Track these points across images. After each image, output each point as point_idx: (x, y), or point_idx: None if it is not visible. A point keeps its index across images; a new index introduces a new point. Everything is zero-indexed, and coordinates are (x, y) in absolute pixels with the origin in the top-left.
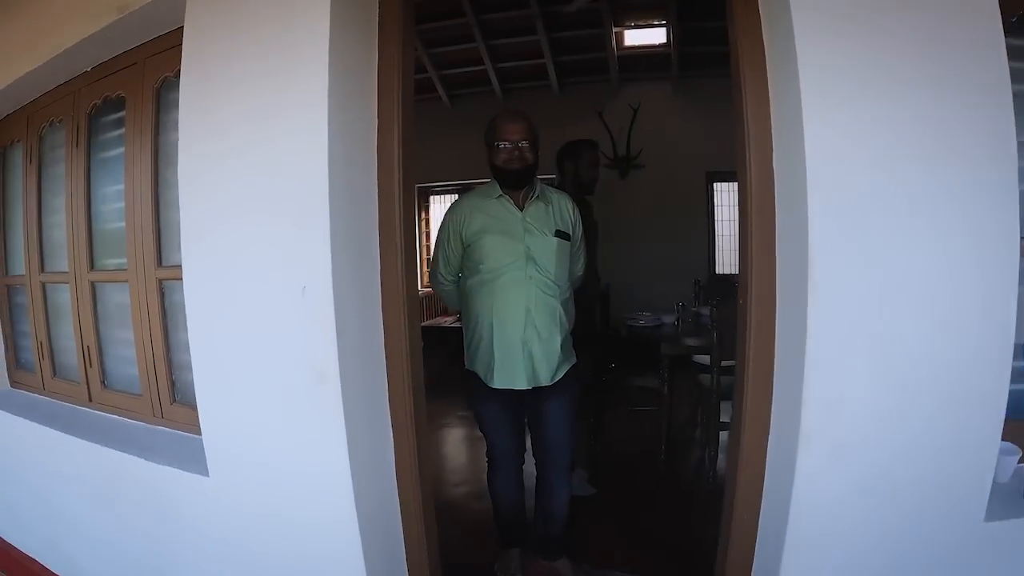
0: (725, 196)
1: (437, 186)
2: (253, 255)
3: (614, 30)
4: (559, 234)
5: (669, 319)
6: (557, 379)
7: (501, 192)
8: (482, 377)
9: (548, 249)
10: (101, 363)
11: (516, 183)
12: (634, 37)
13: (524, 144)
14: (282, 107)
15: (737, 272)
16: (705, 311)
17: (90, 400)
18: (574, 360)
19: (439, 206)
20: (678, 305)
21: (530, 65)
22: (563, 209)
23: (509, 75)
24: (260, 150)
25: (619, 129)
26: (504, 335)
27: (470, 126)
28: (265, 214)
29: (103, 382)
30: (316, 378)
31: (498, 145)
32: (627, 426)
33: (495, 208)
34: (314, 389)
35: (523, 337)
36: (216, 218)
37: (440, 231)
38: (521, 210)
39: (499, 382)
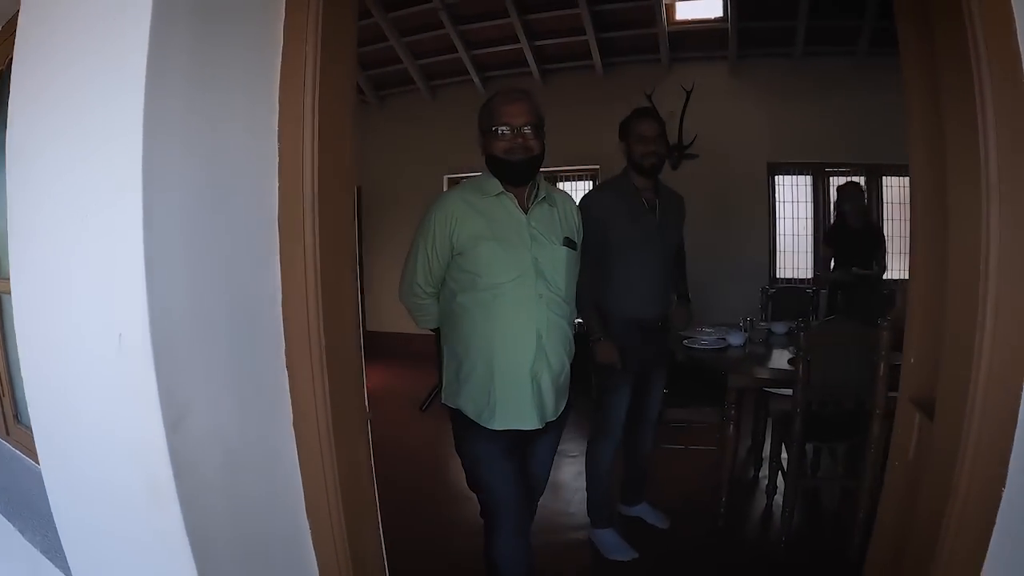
0: (788, 191)
1: (463, 176)
2: (61, 279)
3: (664, 2)
4: (567, 242)
5: (736, 340)
6: (560, 412)
7: (502, 189)
8: (473, 416)
9: (558, 260)
10: None
11: (519, 178)
12: (686, 10)
13: (528, 130)
14: (95, 91)
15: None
16: (778, 326)
17: None
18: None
19: None
20: (746, 322)
21: (571, 43)
22: (568, 212)
23: (548, 55)
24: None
25: (670, 114)
26: (509, 367)
27: None
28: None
29: None
30: (147, 488)
31: (497, 131)
32: (676, 467)
33: (494, 208)
34: (146, 512)
35: (532, 369)
36: (41, 224)
37: (421, 231)
38: (525, 212)
39: (501, 422)
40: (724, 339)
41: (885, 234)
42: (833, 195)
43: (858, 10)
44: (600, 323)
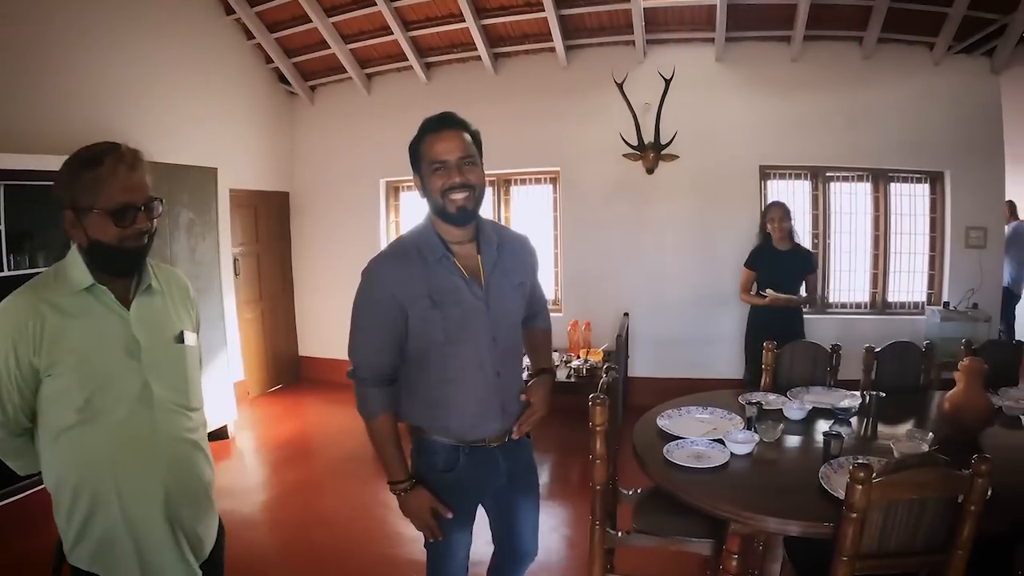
0: (784, 197)
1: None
2: None
3: None
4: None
5: (741, 443)
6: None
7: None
8: None
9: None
10: None
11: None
12: None
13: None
14: None
15: None
16: (794, 410)
17: None
18: None
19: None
20: (751, 406)
21: (528, 21)
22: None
23: (500, 35)
24: None
25: (645, 107)
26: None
27: (445, 107)
28: None
29: None
30: None
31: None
32: None
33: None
34: None
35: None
36: None
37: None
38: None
39: None
40: (723, 440)
41: (817, 258)
42: (836, 203)
43: None
44: (401, 461)
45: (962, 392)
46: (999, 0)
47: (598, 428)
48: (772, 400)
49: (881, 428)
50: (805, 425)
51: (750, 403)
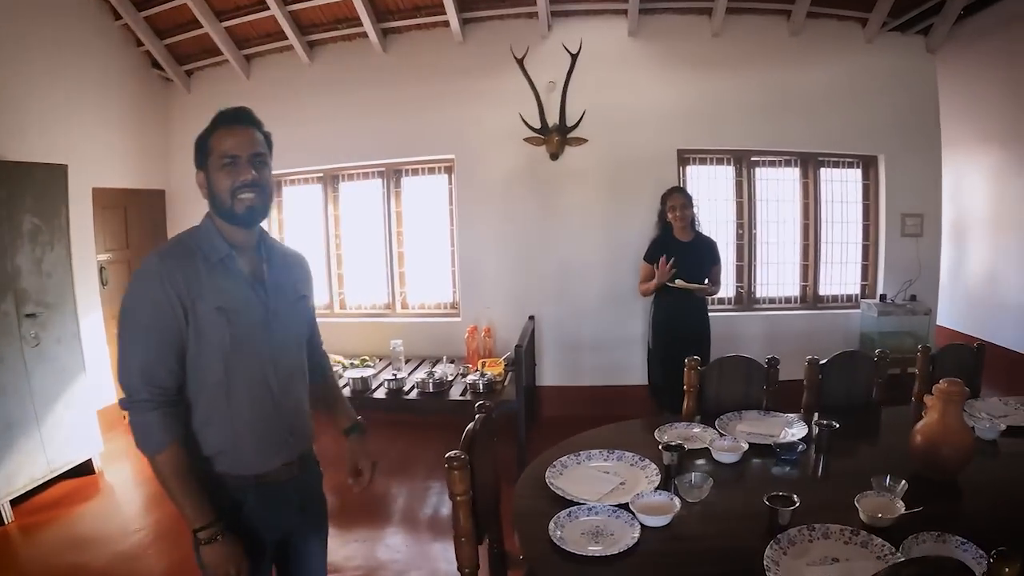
0: (704, 184)
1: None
2: None
3: None
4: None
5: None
6: None
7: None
8: None
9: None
10: None
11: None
12: None
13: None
14: None
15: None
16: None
17: None
18: None
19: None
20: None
21: None
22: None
23: (389, 7)
24: None
25: (549, 85)
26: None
27: (330, 91)
28: None
29: None
30: None
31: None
32: None
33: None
34: None
35: None
36: None
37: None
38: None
39: None
40: (630, 507)
41: (720, 248)
42: (762, 190)
43: None
44: (205, 499)
45: (938, 423)
46: None
47: (459, 498)
48: (696, 435)
49: (835, 467)
50: (740, 471)
51: (669, 447)
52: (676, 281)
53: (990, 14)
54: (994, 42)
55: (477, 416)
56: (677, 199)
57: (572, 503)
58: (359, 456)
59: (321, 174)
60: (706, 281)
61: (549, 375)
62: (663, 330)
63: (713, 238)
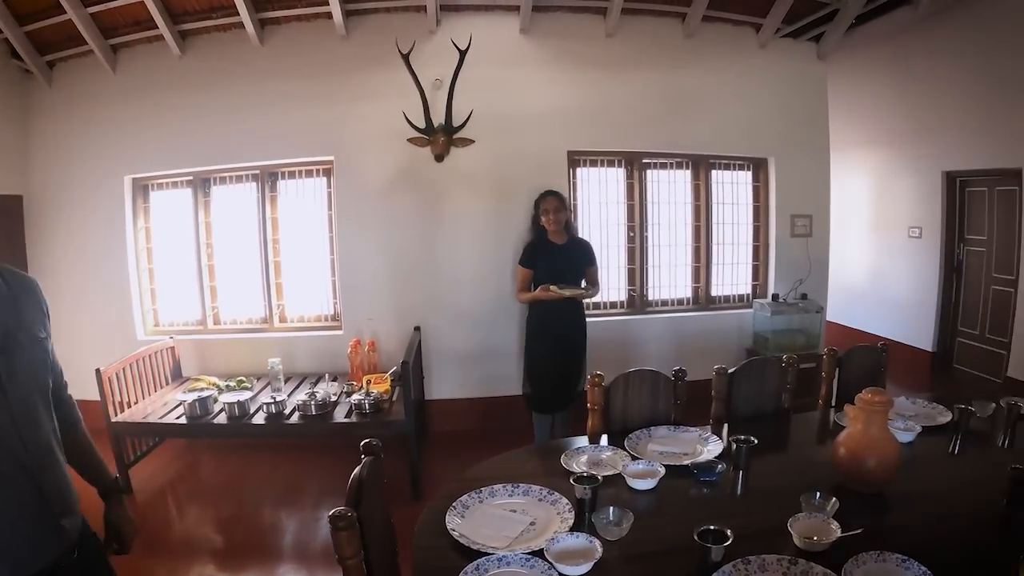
0: (595, 187)
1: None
2: None
3: None
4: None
5: None
6: None
7: None
8: None
9: None
10: None
11: None
12: None
13: None
14: None
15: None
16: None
17: None
18: None
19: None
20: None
21: None
22: None
23: None
24: None
25: (436, 83)
26: None
27: (202, 87)
28: None
29: None
30: None
31: None
32: None
33: None
34: None
35: None
36: None
37: None
38: None
39: None
40: (544, 554)
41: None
42: (652, 192)
43: None
44: None
45: (862, 434)
46: None
47: (349, 562)
48: (606, 460)
49: (757, 486)
50: (658, 497)
51: (581, 479)
52: (552, 287)
53: (879, 24)
54: (882, 50)
55: (364, 459)
56: (551, 202)
57: (479, 553)
58: (122, 522)
59: (191, 177)
60: (583, 284)
61: (438, 388)
62: (539, 336)
63: (587, 239)
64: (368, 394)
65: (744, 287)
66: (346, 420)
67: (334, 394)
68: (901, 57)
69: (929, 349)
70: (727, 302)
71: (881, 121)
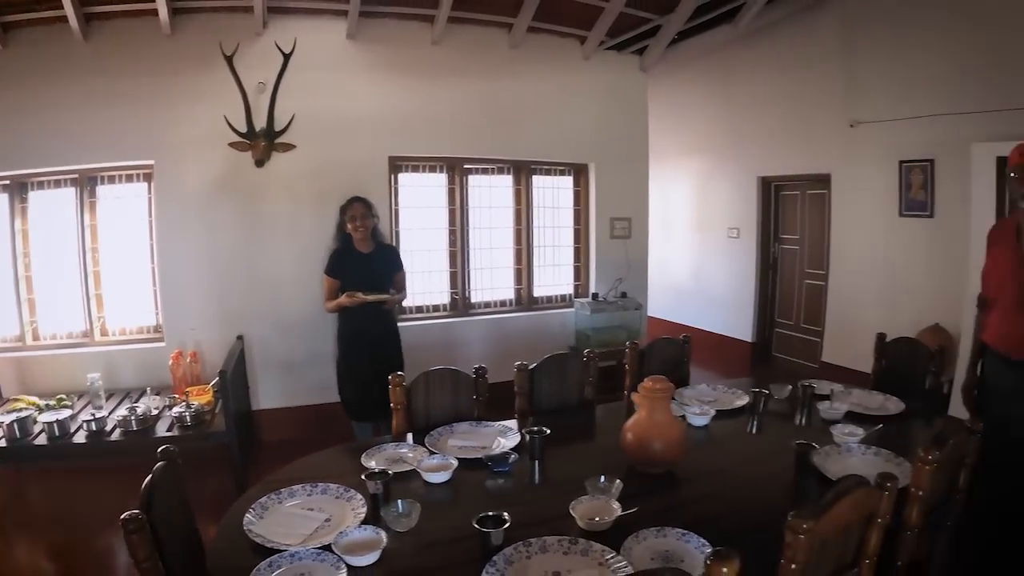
0: (411, 193)
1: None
2: None
3: None
4: None
5: None
6: None
7: None
8: None
9: None
10: None
11: None
12: None
13: None
14: None
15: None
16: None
17: None
18: None
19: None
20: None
21: None
22: None
23: None
24: None
25: (259, 86)
26: None
27: (22, 85)
28: None
29: None
30: None
31: None
32: None
33: None
34: None
35: None
36: None
37: None
38: None
39: None
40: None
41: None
42: (474, 196)
43: None
44: None
45: (647, 419)
46: (656, 0)
47: (144, 565)
48: (406, 456)
49: (552, 474)
50: (453, 490)
51: (372, 475)
52: (357, 294)
53: (702, 39)
54: (701, 64)
55: (157, 464)
56: (357, 208)
57: (273, 551)
58: None
59: (8, 181)
60: (391, 290)
61: (266, 397)
62: (350, 342)
63: (393, 245)
64: (189, 406)
65: (566, 287)
66: (168, 434)
67: (156, 408)
68: (722, 71)
69: (749, 340)
70: (549, 302)
71: (703, 130)
